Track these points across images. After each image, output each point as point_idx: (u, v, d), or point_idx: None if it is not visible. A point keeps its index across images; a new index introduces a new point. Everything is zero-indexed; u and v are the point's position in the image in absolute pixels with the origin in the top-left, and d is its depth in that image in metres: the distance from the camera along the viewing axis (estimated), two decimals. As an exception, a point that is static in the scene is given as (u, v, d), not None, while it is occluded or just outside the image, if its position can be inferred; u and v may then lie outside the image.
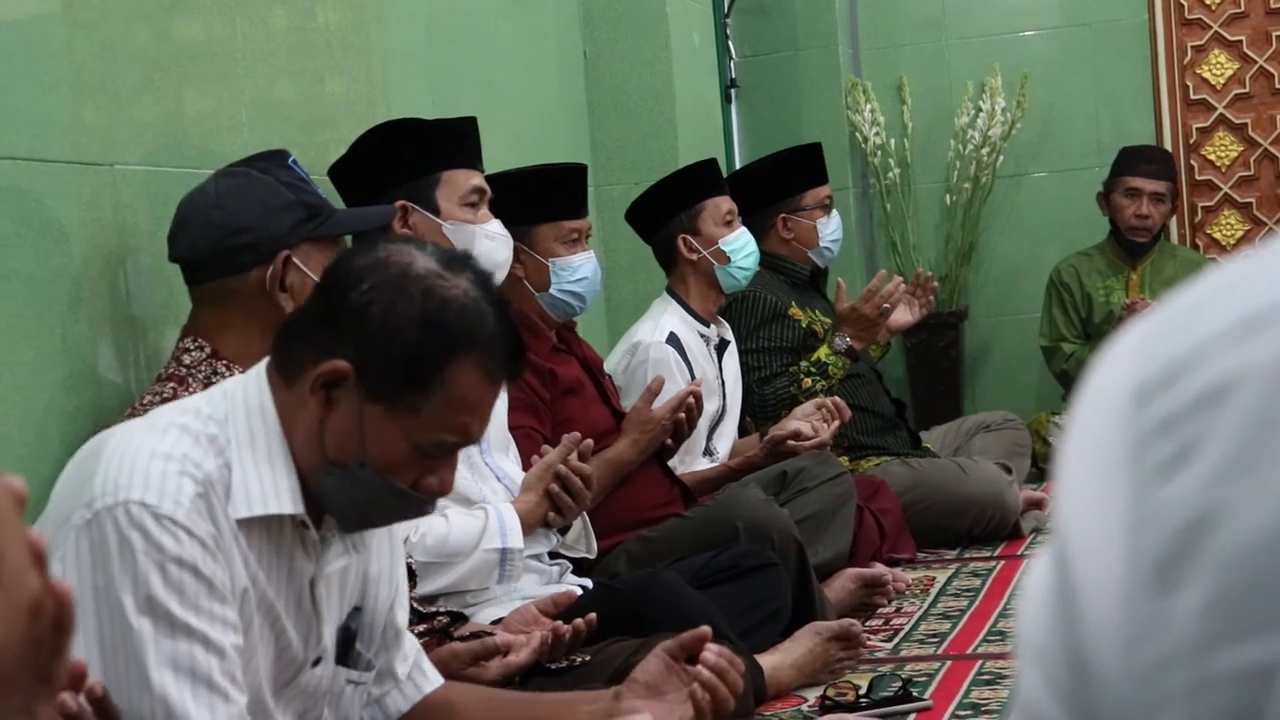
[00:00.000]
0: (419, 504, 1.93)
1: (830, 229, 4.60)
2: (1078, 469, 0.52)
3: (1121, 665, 0.49)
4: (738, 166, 5.49)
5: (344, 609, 2.02)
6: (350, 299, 1.85)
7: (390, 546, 2.10)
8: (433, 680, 2.18)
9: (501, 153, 3.53)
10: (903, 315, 4.74)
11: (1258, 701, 0.46)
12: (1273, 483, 0.47)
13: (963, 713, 2.90)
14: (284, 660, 1.94)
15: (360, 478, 1.87)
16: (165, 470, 1.80)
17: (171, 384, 2.43)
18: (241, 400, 1.90)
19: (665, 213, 4.10)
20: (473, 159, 3.08)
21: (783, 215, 4.56)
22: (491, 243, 3.05)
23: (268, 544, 1.89)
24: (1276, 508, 0.47)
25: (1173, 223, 6.04)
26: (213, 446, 1.85)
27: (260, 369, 1.94)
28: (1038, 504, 4.62)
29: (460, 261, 1.90)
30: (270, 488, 1.86)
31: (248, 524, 1.85)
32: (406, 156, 3.01)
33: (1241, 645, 0.47)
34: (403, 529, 2.19)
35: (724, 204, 4.14)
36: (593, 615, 2.66)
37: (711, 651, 2.14)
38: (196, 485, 1.81)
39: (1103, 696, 0.49)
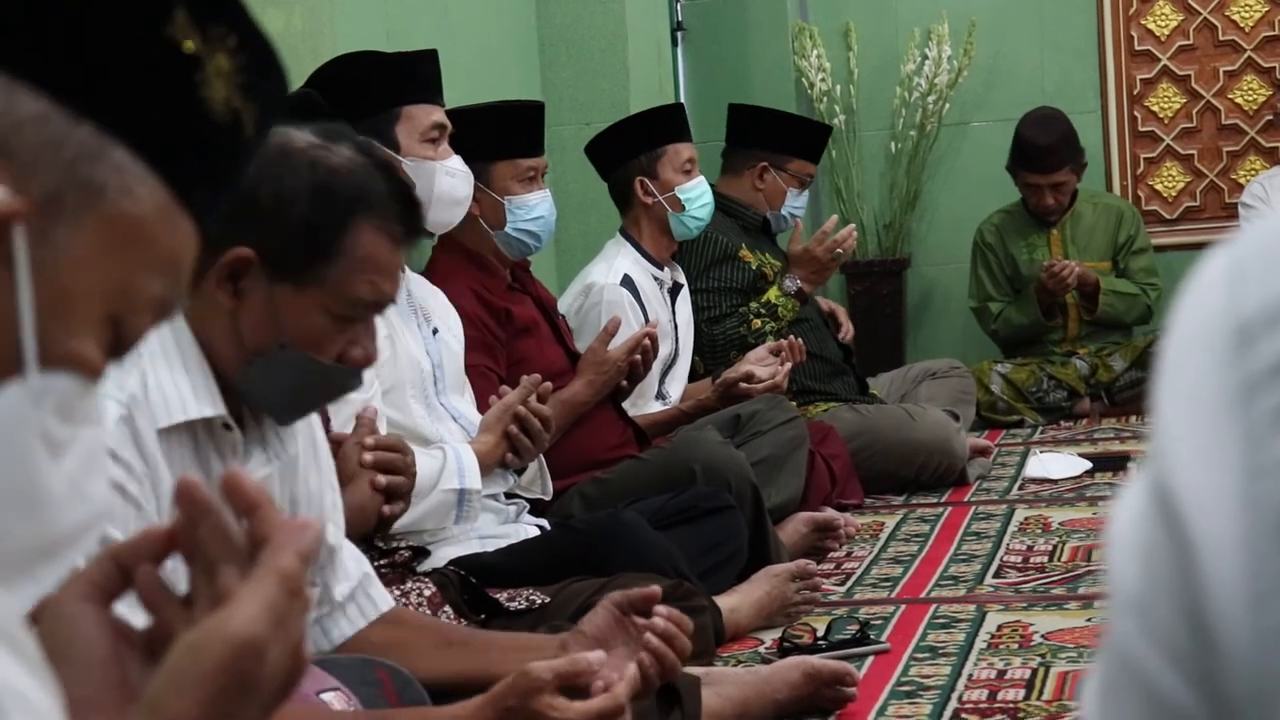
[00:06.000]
0: (346, 377, 1.90)
1: (797, 201, 4.60)
2: (1176, 415, 0.49)
3: (1250, 624, 0.46)
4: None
5: None
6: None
7: (317, 467, 2.04)
8: (380, 605, 2.11)
9: (454, 90, 3.47)
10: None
11: None
12: None
13: (920, 655, 2.91)
14: None
15: (284, 361, 1.84)
16: None
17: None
18: None
19: (626, 152, 4.06)
20: (434, 94, 3.03)
21: (764, 164, 4.54)
22: (452, 179, 3.01)
23: (188, 455, 1.83)
24: None
25: (1114, 174, 6.07)
26: (128, 360, 1.80)
27: None
28: (983, 451, 4.65)
29: (338, 132, 1.88)
30: (188, 392, 1.81)
31: (167, 434, 1.80)
32: (366, 90, 2.95)
33: None
34: (327, 455, 2.12)
35: (685, 151, 4.10)
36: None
37: (660, 615, 2.09)
38: (120, 408, 1.75)
39: (1230, 658, 0.46)
